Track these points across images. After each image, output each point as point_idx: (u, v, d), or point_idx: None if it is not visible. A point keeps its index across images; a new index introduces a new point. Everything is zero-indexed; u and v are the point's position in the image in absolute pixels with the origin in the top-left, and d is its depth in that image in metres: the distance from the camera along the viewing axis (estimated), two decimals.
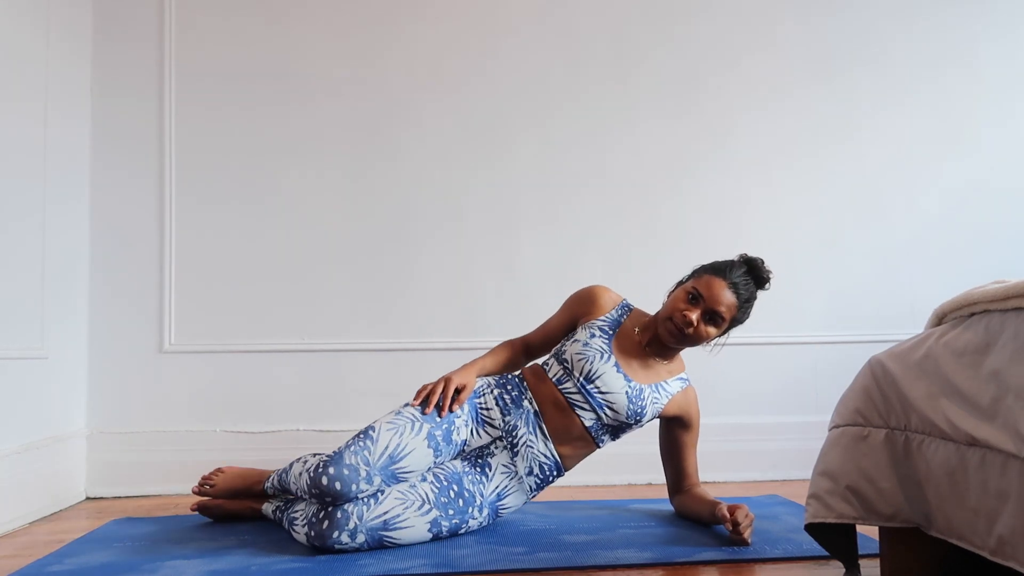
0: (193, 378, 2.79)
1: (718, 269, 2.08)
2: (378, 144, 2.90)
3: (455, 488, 1.98)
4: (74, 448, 2.65)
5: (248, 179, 2.86)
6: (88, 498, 2.69)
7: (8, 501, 2.22)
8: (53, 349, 2.52)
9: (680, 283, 2.16)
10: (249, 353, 2.82)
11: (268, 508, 2.14)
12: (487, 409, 2.10)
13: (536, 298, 2.89)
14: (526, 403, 2.09)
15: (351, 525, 1.83)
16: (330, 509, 1.84)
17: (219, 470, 2.24)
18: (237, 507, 2.21)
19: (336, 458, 1.85)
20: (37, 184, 2.46)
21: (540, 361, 2.23)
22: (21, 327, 2.36)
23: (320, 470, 1.84)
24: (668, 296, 2.15)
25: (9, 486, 2.23)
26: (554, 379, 2.11)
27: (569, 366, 2.10)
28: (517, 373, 2.22)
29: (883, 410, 1.52)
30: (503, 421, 2.08)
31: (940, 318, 1.53)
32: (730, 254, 2.88)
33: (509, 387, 2.14)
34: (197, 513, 2.24)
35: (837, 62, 3.04)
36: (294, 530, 1.94)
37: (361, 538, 1.83)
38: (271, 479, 2.13)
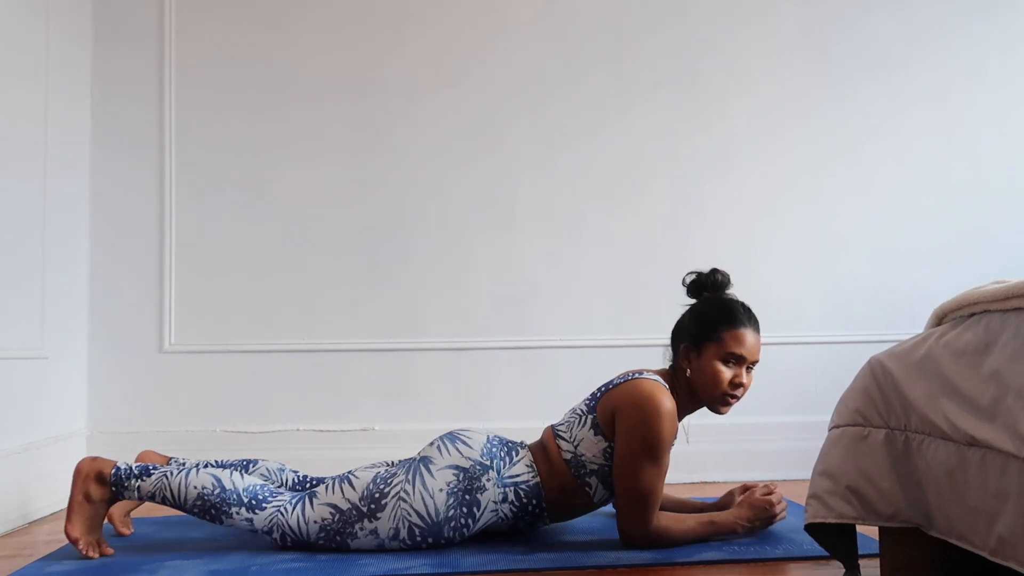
0: (193, 378, 2.79)
1: (735, 319, 1.92)
2: (377, 143, 2.90)
3: (430, 540, 1.90)
4: (74, 448, 2.65)
5: (248, 179, 2.86)
6: None
7: (8, 501, 2.22)
8: (53, 349, 2.52)
9: (691, 337, 1.95)
10: (249, 353, 2.82)
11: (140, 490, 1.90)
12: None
13: (535, 297, 2.89)
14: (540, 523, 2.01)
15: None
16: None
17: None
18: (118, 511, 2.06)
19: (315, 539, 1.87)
20: (37, 184, 2.46)
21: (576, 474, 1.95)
22: (21, 327, 2.36)
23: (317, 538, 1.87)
24: (684, 358, 1.96)
25: (9, 486, 2.23)
26: (596, 501, 1.98)
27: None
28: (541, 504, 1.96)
29: (883, 410, 1.52)
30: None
31: (940, 318, 1.53)
32: (728, 253, 2.89)
33: (527, 517, 1.97)
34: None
35: (837, 59, 3.04)
36: (282, 512, 1.87)
37: None
38: (136, 489, 1.88)
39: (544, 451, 1.98)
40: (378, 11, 2.94)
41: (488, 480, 1.89)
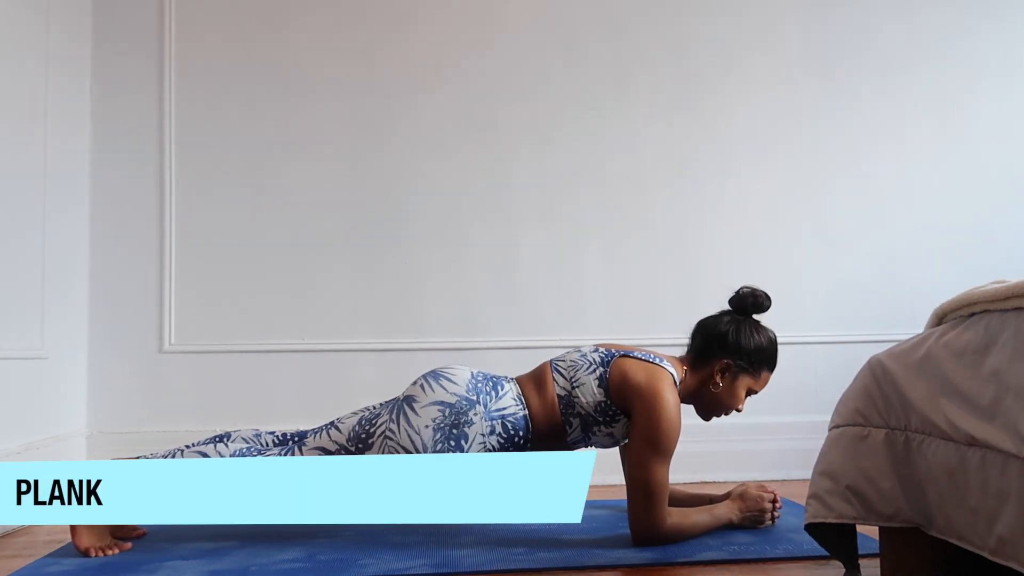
0: (193, 378, 2.79)
1: (774, 365, 2.07)
2: (377, 144, 2.90)
3: None
4: (74, 448, 2.65)
5: (248, 179, 2.86)
6: None
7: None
8: (53, 349, 2.52)
9: (736, 359, 2.01)
10: (249, 353, 2.82)
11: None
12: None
13: (534, 297, 2.89)
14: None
15: None
16: None
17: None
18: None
19: None
20: (37, 184, 2.46)
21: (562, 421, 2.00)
22: (21, 327, 2.36)
23: None
24: (719, 372, 2.02)
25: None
26: (569, 441, 2.02)
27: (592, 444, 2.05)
28: (527, 434, 1.99)
29: (883, 410, 1.52)
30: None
31: (940, 318, 1.53)
32: (729, 252, 2.89)
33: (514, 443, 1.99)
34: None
35: (837, 60, 3.04)
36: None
37: None
38: None
39: (538, 384, 2.02)
40: (377, 10, 2.93)
41: (476, 414, 1.91)
